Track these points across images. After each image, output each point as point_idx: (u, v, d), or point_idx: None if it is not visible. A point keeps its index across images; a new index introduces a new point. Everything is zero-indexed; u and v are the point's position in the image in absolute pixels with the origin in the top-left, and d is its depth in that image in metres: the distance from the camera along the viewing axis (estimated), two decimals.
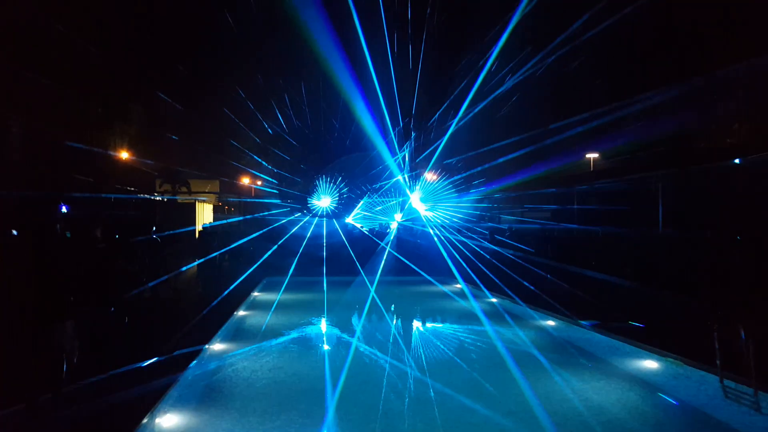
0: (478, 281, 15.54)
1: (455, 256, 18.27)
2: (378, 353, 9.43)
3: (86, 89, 21.59)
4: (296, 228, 24.29)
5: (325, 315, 13.05)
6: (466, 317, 12.55)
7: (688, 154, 19.18)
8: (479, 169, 26.15)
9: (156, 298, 11.88)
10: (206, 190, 36.79)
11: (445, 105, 26.05)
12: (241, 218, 29.11)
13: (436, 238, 21.37)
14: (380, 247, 22.13)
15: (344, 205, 29.99)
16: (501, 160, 24.26)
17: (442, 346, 10.18)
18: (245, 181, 40.43)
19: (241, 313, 12.50)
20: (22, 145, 16.46)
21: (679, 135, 21.26)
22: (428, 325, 12.66)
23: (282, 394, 7.19)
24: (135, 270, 9.61)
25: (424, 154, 28.85)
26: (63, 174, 17.80)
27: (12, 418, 5.58)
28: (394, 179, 27.91)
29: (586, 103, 21.88)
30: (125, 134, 26.94)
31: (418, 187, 28.06)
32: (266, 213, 29.20)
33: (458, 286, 16.86)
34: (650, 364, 8.06)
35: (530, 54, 21.29)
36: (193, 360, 7.82)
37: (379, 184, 29.21)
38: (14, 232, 7.56)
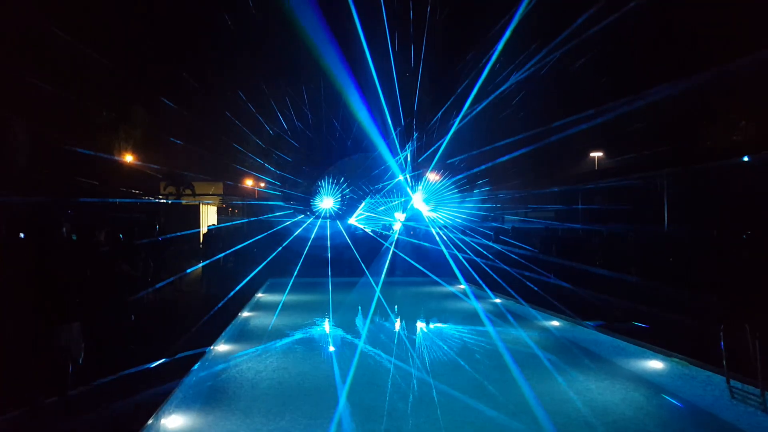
0: (481, 281, 15.51)
1: (458, 257, 18.24)
2: (382, 354, 9.42)
3: (90, 93, 21.69)
4: (300, 230, 24.31)
5: (330, 316, 13.06)
6: (470, 318, 12.53)
7: (693, 152, 19.12)
8: (483, 167, 26.08)
9: (161, 300, 11.92)
10: (210, 192, 36.88)
11: (448, 104, 26.02)
12: (245, 220, 29.16)
13: (438, 238, 21.36)
14: (384, 247, 22.12)
15: (347, 206, 30.01)
16: (504, 158, 24.18)
17: (447, 347, 10.16)
18: (249, 183, 40.52)
19: (245, 314, 12.52)
20: (28, 148, 16.54)
21: (685, 133, 21.21)
22: (432, 325, 12.66)
23: (286, 395, 7.20)
24: (139, 272, 9.62)
25: (426, 154, 28.84)
26: (68, 177, 17.86)
27: (15, 421, 5.58)
28: (397, 179, 27.92)
29: (589, 101, 21.85)
30: (130, 137, 27.04)
31: (420, 188, 28.06)
32: (270, 215, 29.22)
33: (462, 286, 16.84)
34: (655, 365, 8.02)
35: (534, 51, 21.23)
36: (197, 361, 7.82)
37: (382, 184, 29.22)
38: (21, 235, 7.59)
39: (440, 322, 12.92)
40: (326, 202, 30.43)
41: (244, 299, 13.28)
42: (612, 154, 28.18)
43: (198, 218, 24.17)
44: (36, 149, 16.83)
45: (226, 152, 32.06)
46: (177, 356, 7.62)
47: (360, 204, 28.99)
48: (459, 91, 24.70)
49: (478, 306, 13.83)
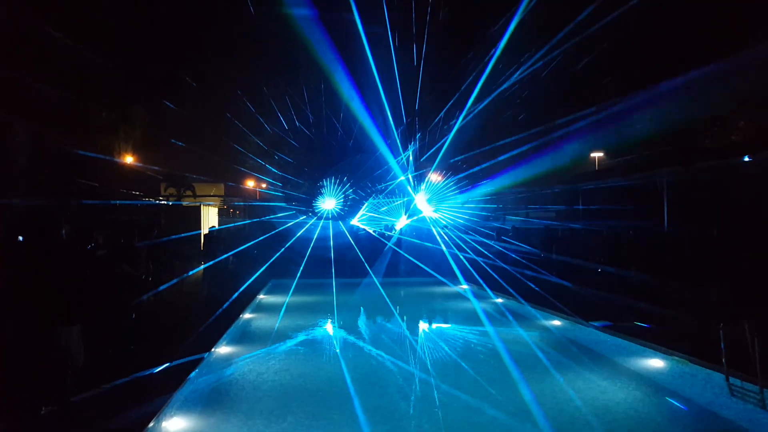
0: (482, 282, 15.53)
1: (460, 257, 18.28)
2: (384, 355, 9.44)
3: (90, 93, 21.72)
4: (302, 231, 24.33)
5: (332, 317, 13.09)
6: (473, 318, 12.55)
7: (692, 152, 19.10)
8: (485, 165, 26.04)
9: (161, 301, 11.92)
10: (211, 194, 36.93)
11: (451, 102, 25.98)
12: (247, 221, 29.19)
13: (439, 238, 21.39)
14: (387, 248, 22.15)
15: (349, 207, 30.02)
16: (506, 155, 24.15)
17: (449, 347, 10.19)
18: (250, 184, 40.57)
19: (247, 315, 12.54)
20: (27, 150, 16.56)
21: (684, 132, 21.18)
22: (434, 326, 12.68)
23: (288, 396, 7.22)
24: (140, 272, 9.63)
25: (428, 153, 28.82)
26: (67, 179, 17.88)
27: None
28: (399, 179, 27.93)
29: (590, 99, 21.85)
30: (130, 138, 27.08)
31: (423, 188, 28.08)
32: (272, 216, 29.24)
33: (464, 286, 16.87)
34: (656, 363, 8.04)
35: (535, 48, 21.19)
36: (199, 363, 7.85)
37: (384, 184, 29.23)
38: (20, 238, 7.62)
39: (442, 323, 12.95)
40: (328, 202, 30.45)
41: (246, 302, 13.28)
42: (612, 154, 28.15)
43: (199, 220, 24.18)
44: (36, 150, 16.85)
45: (227, 153, 32.11)
46: (177, 362, 7.58)
47: (362, 204, 29.00)
48: (462, 88, 24.66)
49: (478, 306, 13.86)
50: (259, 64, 27.48)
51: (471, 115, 24.21)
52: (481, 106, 23.86)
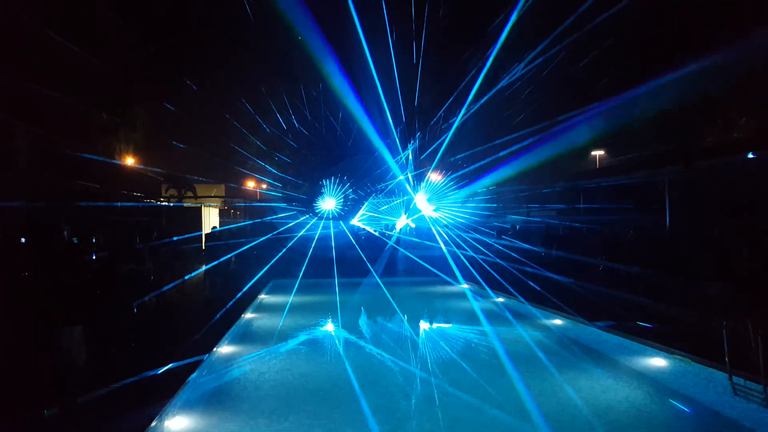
0: (481, 281, 15.53)
1: (460, 256, 18.29)
2: (385, 354, 9.43)
3: (91, 95, 21.73)
4: (303, 231, 24.31)
5: (333, 317, 13.07)
6: (474, 317, 12.53)
7: (694, 150, 19.09)
8: (485, 161, 26.01)
9: (162, 302, 11.90)
10: (212, 194, 36.94)
11: (450, 100, 25.94)
12: (249, 222, 29.17)
13: (438, 237, 21.39)
14: (388, 247, 22.15)
15: (350, 207, 30.00)
16: (507, 151, 24.11)
17: (450, 347, 10.18)
18: (251, 185, 40.59)
19: (248, 315, 12.54)
20: (27, 152, 16.56)
21: (685, 130, 21.19)
22: (435, 325, 12.67)
23: (290, 396, 7.21)
24: (145, 269, 9.63)
25: (428, 151, 28.78)
26: (68, 180, 17.88)
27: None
28: (399, 178, 27.91)
29: (590, 95, 21.85)
30: (130, 140, 27.09)
31: (423, 186, 28.06)
32: (273, 216, 29.22)
33: (466, 285, 16.87)
34: (658, 362, 8.02)
35: (533, 44, 21.15)
36: (200, 363, 7.84)
37: (384, 184, 29.20)
38: (22, 240, 7.63)
39: (443, 322, 12.93)
40: (328, 203, 30.43)
41: (247, 302, 13.27)
42: (613, 153, 28.15)
43: (200, 220, 24.17)
44: (36, 152, 16.85)
45: (227, 154, 32.12)
46: (180, 363, 7.55)
47: (362, 204, 28.98)
48: (461, 87, 24.62)
49: (479, 305, 13.86)
50: (258, 64, 27.46)
51: (471, 112, 24.19)
52: (481, 102, 23.83)
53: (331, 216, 29.53)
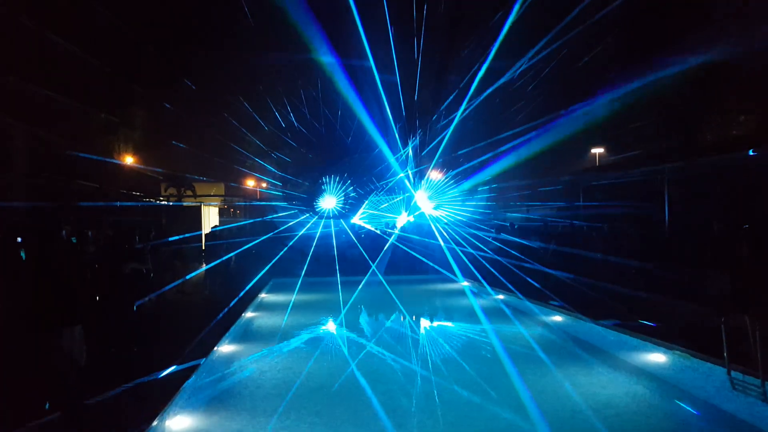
0: (481, 278, 15.57)
1: (459, 254, 18.34)
2: (386, 352, 9.46)
3: (90, 95, 21.73)
4: (304, 230, 24.32)
5: (335, 315, 13.09)
6: (474, 315, 12.56)
7: (694, 147, 19.12)
8: (485, 157, 25.98)
9: (163, 302, 11.92)
10: (212, 194, 36.97)
11: (451, 97, 25.90)
12: (249, 221, 29.19)
13: (438, 234, 21.41)
14: (389, 245, 22.17)
15: (350, 205, 29.98)
16: (506, 146, 24.08)
17: (451, 345, 10.21)
18: (250, 183, 40.59)
19: (249, 314, 12.57)
20: (26, 152, 16.57)
21: (684, 128, 21.17)
22: (436, 323, 12.70)
23: (292, 394, 7.24)
24: (147, 267, 9.63)
25: (428, 148, 28.74)
26: (67, 180, 17.91)
27: None
28: (399, 176, 27.90)
29: (588, 91, 21.84)
30: (129, 139, 27.09)
31: (423, 184, 28.06)
32: (273, 215, 29.23)
33: (466, 283, 16.91)
34: (657, 357, 8.05)
35: (534, 41, 21.11)
36: (202, 362, 7.86)
37: (384, 181, 29.20)
38: (18, 239, 7.64)
39: (444, 320, 12.98)
40: (329, 201, 30.42)
41: (248, 302, 13.29)
42: (614, 150, 28.12)
43: (199, 220, 24.20)
44: (35, 152, 16.87)
45: (226, 153, 32.09)
46: (183, 366, 7.55)
47: (363, 202, 28.98)
48: (461, 85, 24.60)
49: (479, 302, 13.90)
50: (257, 63, 27.43)
51: (471, 108, 24.17)
52: (481, 98, 23.81)
53: (331, 215, 29.52)
